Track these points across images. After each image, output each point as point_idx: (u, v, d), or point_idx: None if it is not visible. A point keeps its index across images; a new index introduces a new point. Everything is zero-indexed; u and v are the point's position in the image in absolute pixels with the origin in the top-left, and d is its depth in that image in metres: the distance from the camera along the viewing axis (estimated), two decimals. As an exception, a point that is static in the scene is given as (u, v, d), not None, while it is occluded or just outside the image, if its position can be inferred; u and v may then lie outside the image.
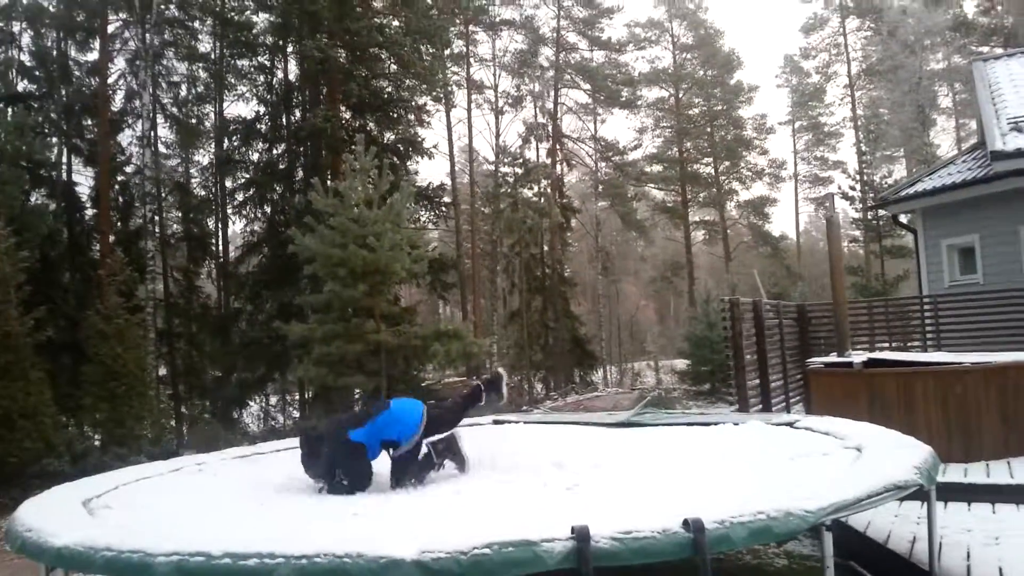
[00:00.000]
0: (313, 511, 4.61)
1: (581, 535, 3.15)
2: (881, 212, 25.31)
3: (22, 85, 20.72)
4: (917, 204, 14.35)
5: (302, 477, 5.54)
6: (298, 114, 22.02)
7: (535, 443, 6.58)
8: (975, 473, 6.89)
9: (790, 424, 6.34)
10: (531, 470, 5.34)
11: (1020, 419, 7.49)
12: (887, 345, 12.92)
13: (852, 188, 32.51)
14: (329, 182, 16.37)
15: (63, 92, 21.48)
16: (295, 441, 8.28)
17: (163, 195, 23.67)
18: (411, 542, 3.17)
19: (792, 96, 49.35)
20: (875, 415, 6.92)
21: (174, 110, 23.94)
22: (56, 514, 4.45)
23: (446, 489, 4.98)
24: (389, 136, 22.03)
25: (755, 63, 68.17)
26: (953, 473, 6.89)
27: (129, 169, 23.12)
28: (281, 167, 21.92)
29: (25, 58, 21.12)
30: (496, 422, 8.57)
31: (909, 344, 12.86)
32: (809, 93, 48.36)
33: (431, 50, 22.51)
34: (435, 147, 23.54)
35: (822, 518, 3.47)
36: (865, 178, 31.97)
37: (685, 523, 3.24)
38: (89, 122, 22.39)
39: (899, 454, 4.55)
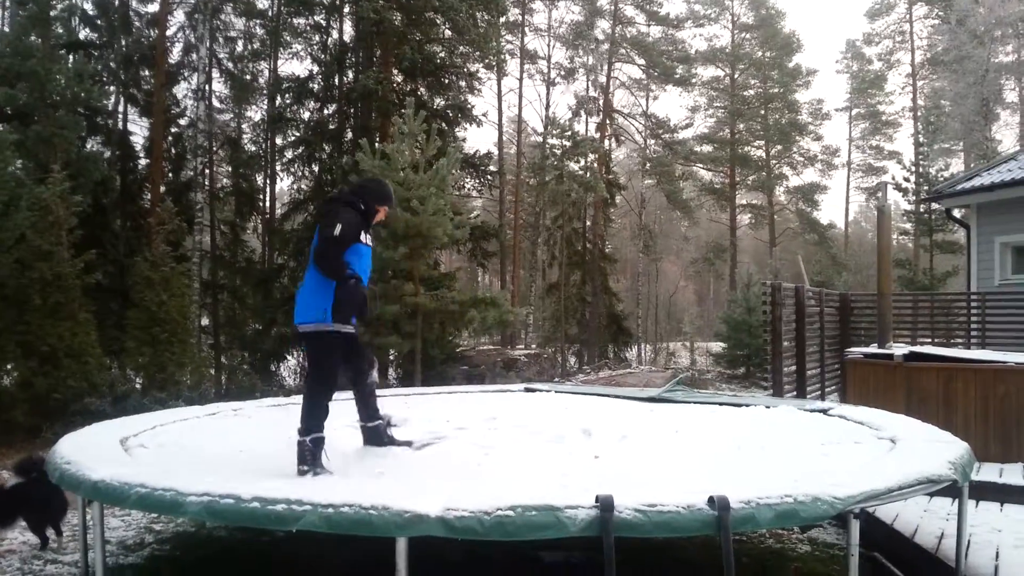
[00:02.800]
0: (341, 462, 4.67)
1: (605, 504, 3.16)
2: (934, 206, 24.70)
3: (83, 33, 21.03)
4: (972, 199, 14.00)
5: (333, 428, 5.63)
6: (351, 75, 22.05)
7: (564, 411, 6.61)
8: (1011, 474, 6.76)
9: (824, 411, 6.27)
10: (558, 438, 5.36)
11: (1063, 423, 7.32)
12: (929, 340, 12.71)
13: (906, 180, 31.72)
14: (377, 144, 16.44)
15: (122, 42, 21.79)
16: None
17: (214, 149, 24.01)
18: (436, 499, 3.22)
19: (851, 82, 48.18)
20: (912, 409, 6.82)
21: (229, 65, 24.16)
22: (94, 450, 4.60)
23: (474, 452, 5.02)
24: (439, 101, 21.99)
25: (815, 47, 66.53)
26: (988, 472, 6.78)
27: (183, 121, 23.52)
28: (331, 127, 22.03)
29: (88, 6, 21.43)
30: (528, 390, 8.61)
31: (952, 340, 12.62)
32: (869, 80, 47.16)
33: (486, 17, 22.32)
34: (484, 115, 23.51)
35: (851, 506, 3.43)
36: (920, 170, 31.15)
37: (710, 500, 3.23)
38: (146, 73, 22.74)
39: (934, 448, 4.48)
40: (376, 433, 5.05)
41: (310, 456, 4.41)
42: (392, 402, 7.83)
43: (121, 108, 22.37)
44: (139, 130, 22.98)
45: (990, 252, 13.65)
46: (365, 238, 4.83)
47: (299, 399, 7.84)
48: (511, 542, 3.14)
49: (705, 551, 5.58)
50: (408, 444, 5.06)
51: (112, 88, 21.61)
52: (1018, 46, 37.38)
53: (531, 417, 6.05)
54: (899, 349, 8.22)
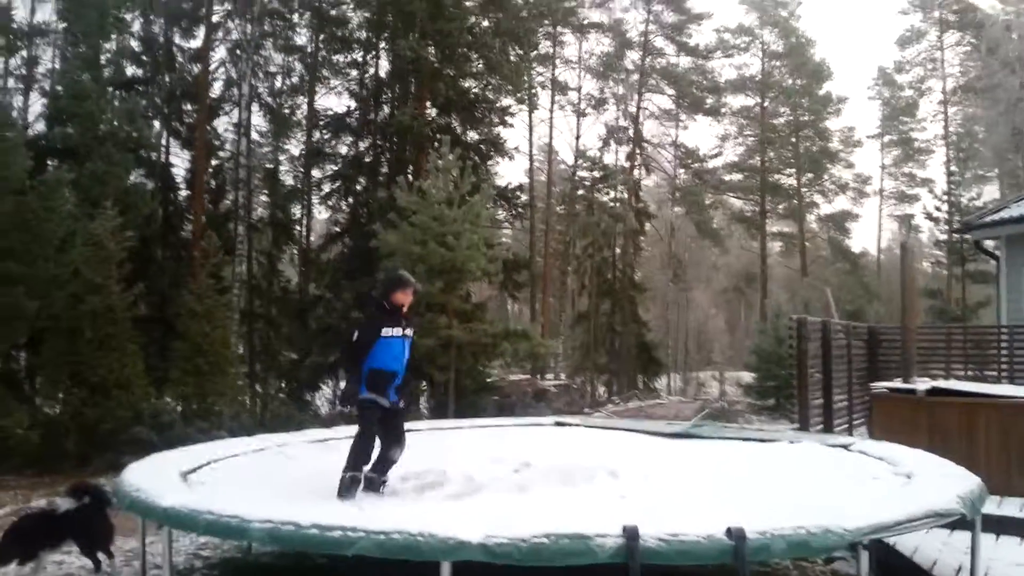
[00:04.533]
0: (387, 501, 5.02)
1: (631, 534, 3.46)
2: (966, 235, 24.62)
3: (130, 70, 21.91)
4: (1002, 231, 14.02)
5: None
6: (386, 110, 22.68)
7: (594, 447, 6.89)
8: (1033, 509, 6.87)
9: (845, 446, 6.49)
10: (588, 476, 5.65)
11: (1085, 458, 7.42)
12: (963, 373, 12.71)
13: (938, 208, 31.71)
14: (411, 177, 16.95)
15: (166, 77, 22.63)
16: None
17: (253, 181, 24.75)
18: (478, 527, 3.53)
19: (883, 110, 48.05)
20: (935, 444, 6.97)
21: (269, 100, 24.95)
22: (158, 479, 4.98)
23: (510, 486, 5.32)
24: (472, 135, 22.52)
25: (845, 74, 66.69)
26: (1010, 507, 6.89)
27: (223, 154, 24.31)
28: (367, 161, 22.64)
29: (134, 43, 22.32)
30: (558, 424, 8.89)
31: (986, 373, 12.63)
32: (901, 108, 47.01)
33: (518, 51, 22.91)
34: (516, 148, 23.97)
35: (860, 537, 3.69)
36: (952, 198, 31.12)
37: (728, 531, 3.51)
38: (188, 107, 23.57)
39: (945, 482, 4.70)
40: (370, 482, 5.70)
41: (348, 489, 5.38)
42: (427, 436, 8.16)
43: (164, 141, 23.22)
44: (180, 162, 23.83)
45: (1019, 284, 13.64)
46: (393, 331, 5.71)
47: (339, 431, 8.28)
48: (544, 568, 3.43)
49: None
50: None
51: (156, 122, 22.43)
52: (1051, 73, 37.18)
53: (561, 453, 6.35)
54: (922, 384, 8.37)
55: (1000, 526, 6.38)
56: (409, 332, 5.87)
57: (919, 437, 7.39)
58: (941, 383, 8.76)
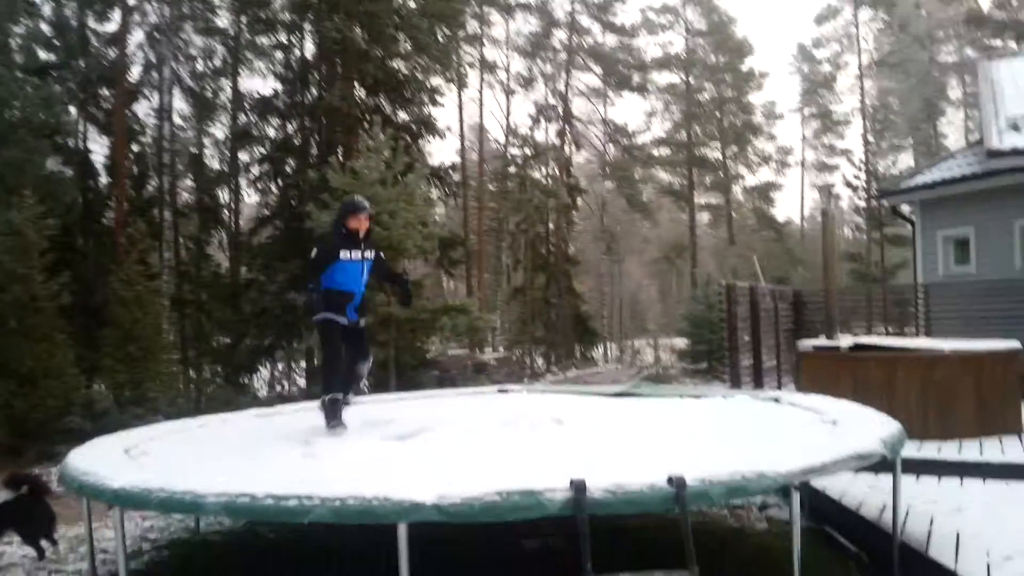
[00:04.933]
0: (336, 458, 5.06)
1: (579, 487, 3.62)
2: (883, 201, 25.64)
3: (43, 55, 21.06)
4: (916, 196, 14.72)
5: (322, 439, 6.03)
6: (314, 92, 22.34)
7: (537, 408, 7.05)
8: (948, 450, 7.32)
9: (775, 400, 6.80)
10: (533, 429, 5.81)
11: (994, 402, 7.93)
12: (884, 330, 13.35)
13: (857, 177, 32.92)
14: (342, 158, 16.78)
15: (81, 62, 21.82)
16: (310, 403, 8.82)
17: (177, 166, 24.14)
18: (431, 489, 3.64)
19: (802, 84, 49.43)
20: (858, 395, 7.33)
21: (191, 83, 24.30)
22: (104, 461, 4.93)
23: (458, 444, 5.44)
24: (403, 116, 22.37)
25: (767, 50, 68.23)
26: (928, 450, 7.34)
27: (144, 139, 23.62)
28: (296, 143, 22.30)
29: (45, 28, 21.43)
30: (501, 391, 9.04)
31: (905, 329, 13.29)
32: (819, 82, 48.43)
33: (446, 32, 22.77)
34: (448, 128, 23.91)
35: (792, 480, 3.93)
36: (870, 167, 32.33)
37: (669, 480, 3.70)
38: (106, 92, 22.80)
39: (868, 427, 5.00)
40: (322, 405, 6.06)
41: (332, 411, 5.86)
42: (373, 408, 8.21)
43: (81, 127, 22.43)
44: (99, 148, 23.13)
45: (934, 246, 14.37)
46: (351, 254, 6.01)
47: (284, 409, 8.29)
48: (495, 529, 3.55)
49: (671, 532, 6.08)
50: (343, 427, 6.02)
51: (72, 108, 21.65)
52: (959, 46, 38.80)
53: (507, 415, 6.49)
54: (845, 341, 8.79)
55: (919, 467, 6.81)
56: (369, 255, 6.11)
57: (843, 390, 7.77)
58: (862, 339, 9.21)
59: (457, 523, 3.61)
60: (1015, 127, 11.53)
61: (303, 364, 22.92)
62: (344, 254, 5.93)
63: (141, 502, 4.07)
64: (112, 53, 22.43)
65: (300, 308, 13.49)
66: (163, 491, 3.97)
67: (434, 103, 22.70)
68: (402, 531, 3.58)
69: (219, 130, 25.95)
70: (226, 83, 25.10)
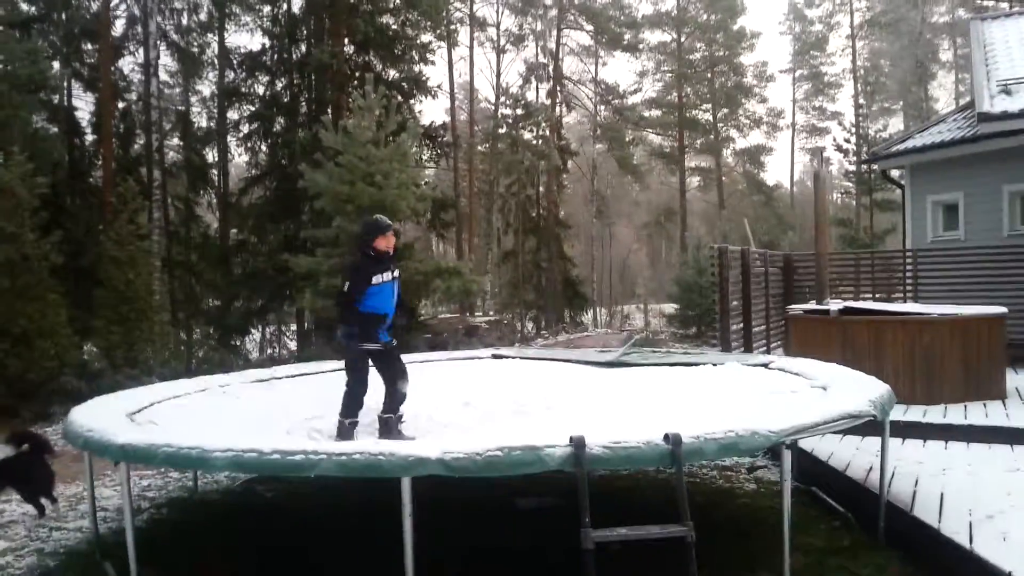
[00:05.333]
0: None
1: (578, 443, 3.71)
2: (873, 166, 25.72)
3: (24, 6, 20.64)
4: (906, 160, 14.78)
5: (320, 404, 6.14)
6: (303, 48, 22.05)
7: (533, 378, 7.19)
8: (933, 414, 7.51)
9: (765, 365, 6.93)
10: (532, 399, 5.93)
11: (980, 367, 8.11)
12: (871, 295, 13.50)
13: (847, 140, 32.87)
14: (331, 117, 16.65)
15: (63, 15, 21.42)
16: (306, 367, 8.90)
17: (164, 124, 23.85)
18: (435, 445, 3.73)
19: (794, 44, 49.19)
20: (847, 359, 7.48)
21: (176, 38, 23.90)
22: (108, 419, 4.99)
23: (460, 410, 5.55)
24: (393, 74, 22.14)
25: (759, 9, 67.51)
26: (914, 413, 7.52)
27: (131, 96, 23.29)
28: (285, 100, 22.06)
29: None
30: (495, 356, 9.14)
31: (893, 295, 13.44)
32: (811, 42, 48.21)
33: (436, -15, 22.49)
34: (439, 87, 23.64)
35: (784, 438, 4.03)
36: (861, 131, 32.31)
37: (665, 437, 3.80)
38: (89, 47, 22.42)
39: (858, 389, 5.12)
40: (387, 424, 5.89)
41: (347, 433, 5.64)
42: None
43: (65, 83, 22.08)
44: (84, 105, 22.80)
45: (923, 211, 14.47)
46: (383, 277, 5.85)
47: (279, 371, 8.36)
48: (493, 487, 3.63)
49: (663, 494, 6.24)
50: (412, 439, 5.69)
51: (56, 63, 21.29)
52: (952, 6, 38.61)
53: (504, 383, 6.63)
54: (835, 305, 8.93)
55: (905, 431, 6.99)
56: (396, 273, 6.01)
57: (833, 353, 7.91)
58: (852, 303, 9.34)
59: (460, 477, 3.70)
60: (1007, 91, 11.54)
61: (293, 327, 22.97)
62: (376, 278, 5.77)
63: (148, 457, 4.13)
64: (95, 6, 22.00)
65: (295, 273, 13.43)
66: (169, 446, 4.04)
67: (425, 61, 22.45)
68: (406, 485, 3.67)
69: (206, 87, 25.66)
70: (212, 39, 24.71)
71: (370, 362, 5.90)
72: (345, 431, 5.65)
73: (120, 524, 5.94)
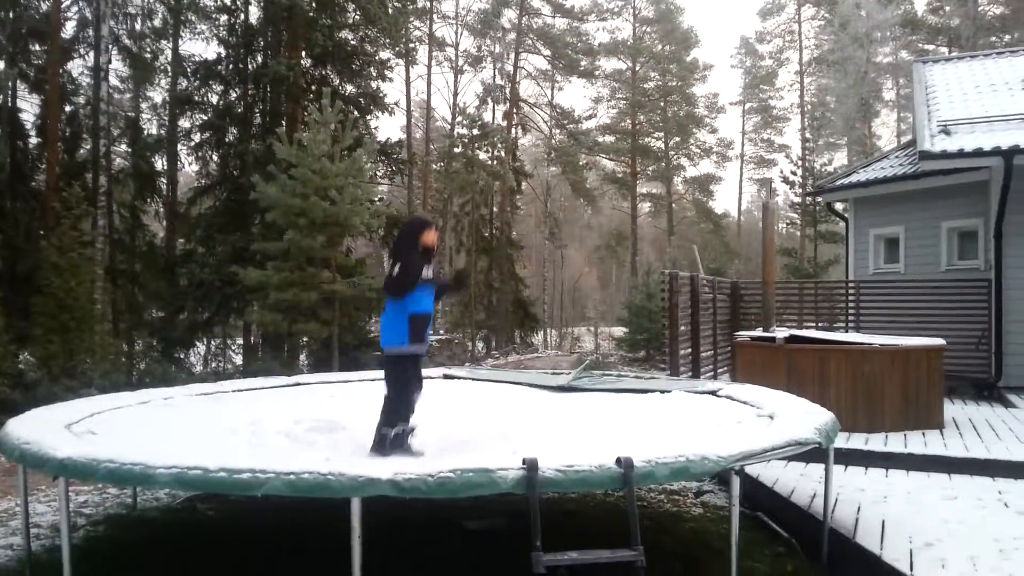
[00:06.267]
0: (286, 449, 5.08)
1: (531, 465, 3.71)
2: (818, 199, 26.40)
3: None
4: (850, 194, 15.19)
5: (269, 419, 6.03)
6: (259, 59, 21.82)
7: (484, 401, 7.18)
8: (875, 442, 7.68)
9: (713, 392, 7.02)
10: (483, 424, 5.91)
11: (919, 397, 8.34)
12: (814, 324, 13.79)
13: (793, 173, 33.70)
14: (286, 129, 16.50)
15: (10, 13, 20.87)
16: (253, 382, 8.75)
17: (113, 130, 23.30)
18: (386, 465, 3.69)
19: (745, 78, 50.45)
20: (792, 386, 7.64)
21: (128, 43, 23.45)
22: (46, 432, 4.81)
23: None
24: (350, 89, 22.04)
25: (712, 42, 69.43)
26: (856, 441, 7.69)
27: (79, 100, 22.74)
28: (239, 111, 21.77)
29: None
30: (446, 376, 9.09)
31: (835, 324, 13.76)
32: (761, 76, 49.51)
33: (396, 3, 22.50)
34: (396, 104, 23.63)
35: (732, 463, 4.09)
36: (806, 164, 33.15)
37: (617, 460, 3.83)
38: (37, 48, 21.87)
39: (804, 417, 5.22)
40: (395, 439, 5.50)
41: (398, 444, 5.26)
42: (319, 389, 8.20)
43: (9, 84, 21.46)
44: (29, 107, 22.17)
45: (865, 243, 14.88)
46: (428, 274, 5.54)
47: (225, 386, 8.19)
48: (442, 510, 3.60)
49: (611, 517, 6.27)
50: (420, 455, 5.40)
51: (0, 63, 20.70)
52: (895, 48, 40.03)
53: (454, 405, 6.60)
54: (781, 333, 9.11)
55: (848, 458, 7.14)
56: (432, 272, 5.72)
57: (778, 380, 8.07)
58: (797, 332, 9.54)
59: (410, 499, 3.66)
60: (946, 131, 11.96)
61: (240, 340, 22.54)
62: (425, 271, 5.49)
63: (88, 473, 4.00)
64: (44, 6, 21.50)
65: (244, 285, 13.13)
66: (112, 462, 3.92)
67: (383, 78, 22.42)
68: (355, 506, 3.62)
69: (158, 94, 25.18)
70: (166, 45, 24.29)
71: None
72: (399, 440, 5.26)
73: (54, 542, 5.75)
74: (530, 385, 8.30)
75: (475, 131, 30.71)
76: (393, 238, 6.18)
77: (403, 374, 5.48)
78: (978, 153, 10.78)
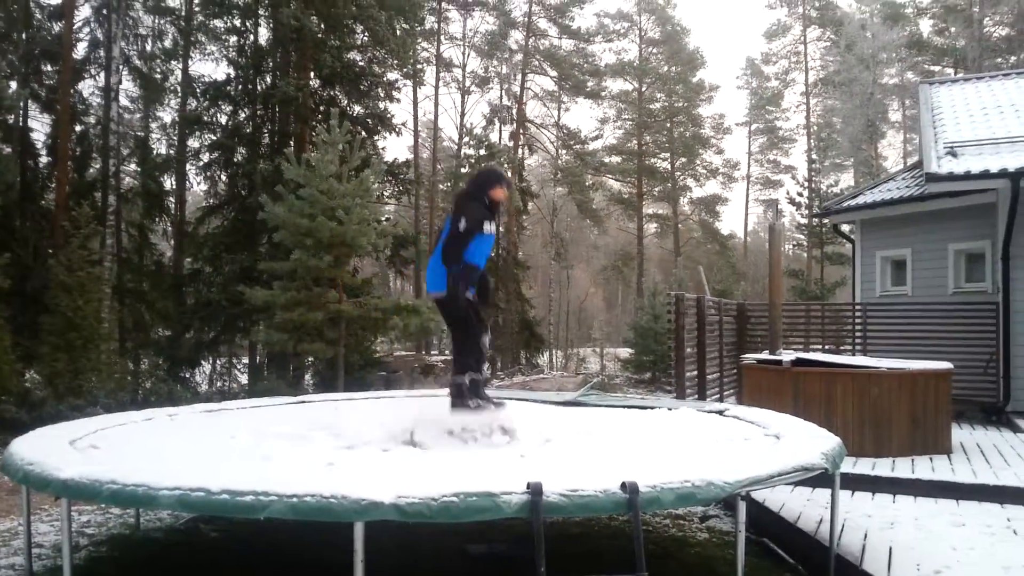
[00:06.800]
0: (291, 461, 5.05)
1: (535, 490, 3.69)
2: (824, 219, 26.37)
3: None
4: (857, 216, 15.18)
5: (274, 431, 6.01)
6: (268, 80, 22.02)
7: (490, 416, 7.11)
8: (882, 467, 7.62)
9: (720, 412, 6.98)
10: (487, 438, 5.86)
11: (927, 422, 8.28)
12: (821, 346, 13.72)
13: (800, 194, 33.67)
14: (294, 150, 16.60)
15: (23, 35, 21.13)
16: (259, 400, 8.74)
17: (122, 149, 23.49)
18: (389, 488, 3.67)
19: (751, 98, 50.63)
20: (799, 409, 7.61)
21: (139, 63, 23.70)
22: (49, 451, 4.81)
23: (413, 451, 5.47)
24: (358, 110, 22.22)
25: (718, 63, 69.90)
26: (863, 466, 7.63)
27: (89, 120, 22.96)
28: (247, 131, 21.94)
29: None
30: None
31: (842, 347, 13.68)
32: (767, 97, 49.69)
33: (404, 25, 22.72)
34: (403, 124, 23.79)
35: (738, 489, 4.05)
36: (813, 185, 33.12)
37: (623, 485, 3.80)
38: (49, 68, 22.12)
39: (811, 442, 5.19)
40: (459, 388, 5.73)
41: (474, 391, 5.52)
42: (322, 407, 8.18)
43: (21, 104, 21.69)
44: (40, 127, 22.39)
45: (872, 265, 14.84)
46: (491, 227, 5.62)
47: (230, 404, 8.18)
48: (445, 533, 3.58)
49: (616, 542, 6.22)
50: (502, 405, 5.72)
51: (12, 83, 20.93)
52: (901, 69, 40.17)
53: (460, 421, 6.53)
54: (788, 355, 9.06)
55: (855, 483, 7.08)
56: (495, 228, 5.79)
57: (784, 403, 8.04)
58: (804, 355, 9.49)
59: (414, 523, 3.64)
60: (953, 153, 11.96)
61: (245, 360, 22.58)
62: (487, 226, 5.56)
63: (91, 494, 3.98)
64: (57, 27, 21.75)
65: (251, 305, 13.20)
66: (115, 483, 3.90)
67: (391, 98, 22.62)
68: (359, 530, 3.60)
69: (167, 114, 25.42)
70: (176, 66, 24.57)
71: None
72: (468, 390, 5.42)
73: (56, 562, 5.73)
74: (536, 401, 8.29)
75: (482, 151, 30.89)
76: (461, 189, 6.13)
77: (471, 322, 5.56)
78: (985, 175, 10.77)
